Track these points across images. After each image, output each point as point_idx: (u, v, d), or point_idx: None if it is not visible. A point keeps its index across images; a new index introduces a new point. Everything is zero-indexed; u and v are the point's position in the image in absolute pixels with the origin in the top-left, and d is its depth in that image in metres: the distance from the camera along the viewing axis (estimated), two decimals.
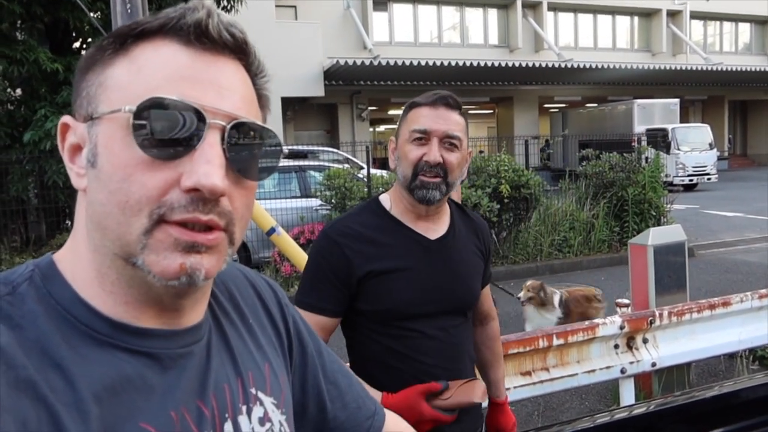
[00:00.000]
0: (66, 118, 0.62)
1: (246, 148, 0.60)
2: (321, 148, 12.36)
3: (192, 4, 0.59)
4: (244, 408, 0.67)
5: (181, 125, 0.55)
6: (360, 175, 8.01)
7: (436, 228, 1.50)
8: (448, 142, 1.41)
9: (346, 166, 8.77)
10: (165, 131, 0.54)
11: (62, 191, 7.29)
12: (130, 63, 0.58)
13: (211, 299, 0.71)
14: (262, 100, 0.67)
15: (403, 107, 1.51)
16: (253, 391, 0.69)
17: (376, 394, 1.35)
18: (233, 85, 0.60)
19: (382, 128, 28.39)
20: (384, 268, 1.41)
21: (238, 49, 0.62)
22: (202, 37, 0.58)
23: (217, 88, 0.58)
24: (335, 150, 11.96)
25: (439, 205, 1.48)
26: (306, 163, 9.18)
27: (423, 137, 1.40)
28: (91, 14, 6.85)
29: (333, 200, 7.60)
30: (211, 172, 0.55)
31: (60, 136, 0.62)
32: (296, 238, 6.56)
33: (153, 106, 0.54)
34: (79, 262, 0.60)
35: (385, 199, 1.52)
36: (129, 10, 3.96)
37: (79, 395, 0.52)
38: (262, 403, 0.70)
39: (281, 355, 0.79)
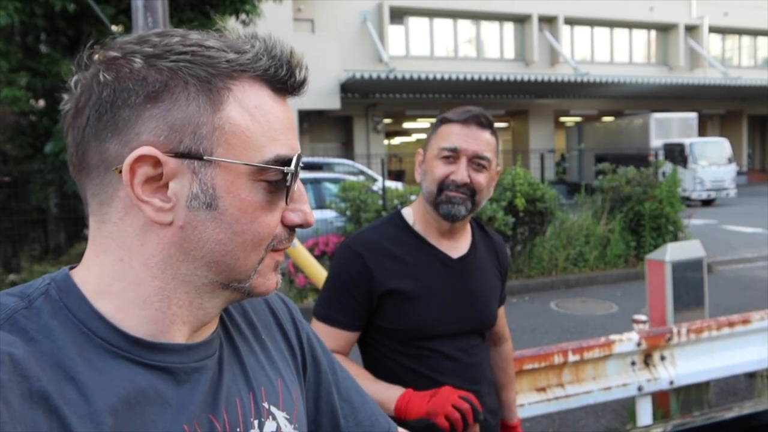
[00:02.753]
0: (149, 150, 0.57)
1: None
2: (336, 160, 12.40)
3: (274, 46, 0.63)
4: (255, 423, 0.67)
5: (292, 172, 0.63)
6: (374, 188, 8.02)
7: (458, 246, 1.48)
8: (477, 162, 1.38)
9: (361, 178, 8.79)
10: (280, 179, 0.62)
11: (81, 201, 7.39)
12: (240, 107, 0.60)
13: (223, 313, 0.71)
14: None
15: (417, 120, 1.51)
16: (265, 405, 0.69)
17: (397, 391, 1.32)
18: (295, 123, 0.67)
19: (397, 141, 28.47)
20: (406, 286, 1.39)
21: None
22: (287, 90, 0.65)
23: (295, 131, 0.66)
24: (350, 162, 11.99)
25: (463, 223, 1.46)
26: (321, 175, 9.23)
27: (452, 155, 1.38)
28: (114, 28, 6.98)
29: (348, 212, 7.62)
30: (309, 209, 0.66)
31: (130, 166, 0.57)
32: (310, 250, 6.57)
33: (278, 160, 0.62)
34: (116, 282, 0.60)
35: (408, 214, 1.50)
36: (150, 24, 4.03)
37: (93, 407, 0.53)
38: (274, 418, 0.70)
39: (294, 371, 0.79)
